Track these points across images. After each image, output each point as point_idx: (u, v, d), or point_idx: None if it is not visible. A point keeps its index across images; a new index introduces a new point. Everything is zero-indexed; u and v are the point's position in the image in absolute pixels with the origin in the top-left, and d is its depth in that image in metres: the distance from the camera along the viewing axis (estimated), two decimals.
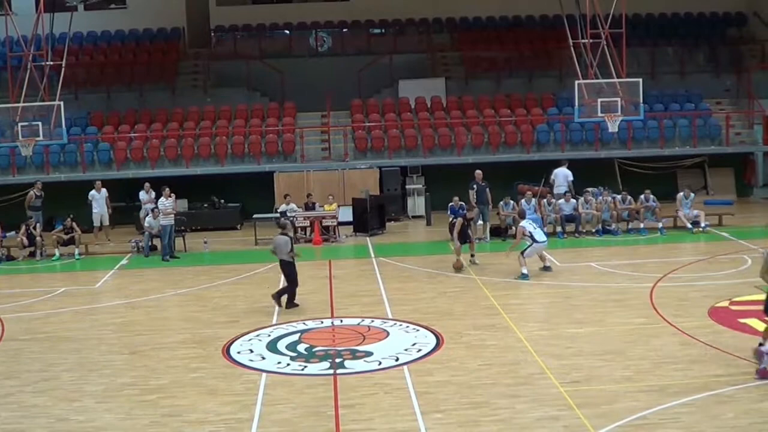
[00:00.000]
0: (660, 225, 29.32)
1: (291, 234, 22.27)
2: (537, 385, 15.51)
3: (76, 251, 28.15)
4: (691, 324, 18.89)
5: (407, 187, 33.64)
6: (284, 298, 21.02)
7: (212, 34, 40.94)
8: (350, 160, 33.92)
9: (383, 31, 41.17)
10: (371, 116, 35.86)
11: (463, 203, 26.99)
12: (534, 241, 23.35)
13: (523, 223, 23.98)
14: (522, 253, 23.39)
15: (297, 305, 21.10)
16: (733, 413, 14.03)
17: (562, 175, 31.18)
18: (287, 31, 41.01)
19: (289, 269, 21.16)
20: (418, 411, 14.37)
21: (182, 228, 29.44)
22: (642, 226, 29.33)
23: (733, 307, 20.25)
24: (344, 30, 41.01)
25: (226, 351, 17.91)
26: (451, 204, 27.44)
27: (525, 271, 23.16)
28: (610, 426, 13.54)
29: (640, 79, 29.44)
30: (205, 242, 28.95)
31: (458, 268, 24.13)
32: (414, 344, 18.02)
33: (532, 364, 16.57)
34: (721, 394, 14.81)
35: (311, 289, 22.90)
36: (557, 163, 32.10)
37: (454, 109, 35.99)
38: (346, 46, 40.37)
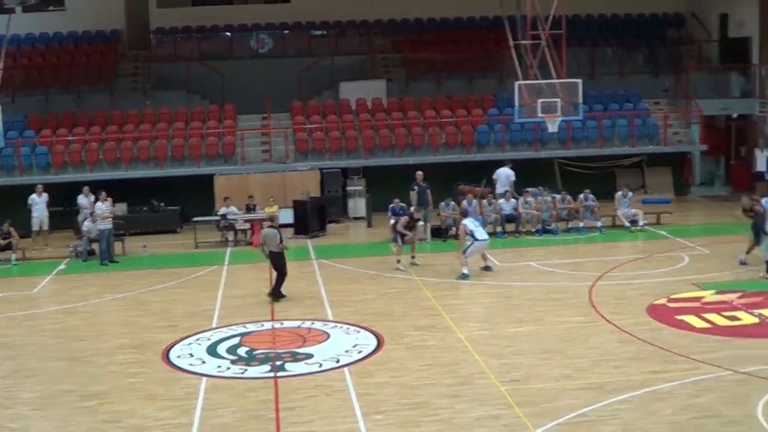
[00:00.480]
0: (599, 224, 29.56)
1: (278, 226, 22.96)
2: (477, 384, 15.58)
3: (13, 256, 27.77)
4: (630, 322, 19.08)
5: (348, 188, 33.59)
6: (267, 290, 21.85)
7: (152, 35, 40.56)
8: (291, 161, 33.81)
9: (324, 32, 41.08)
10: (312, 118, 35.77)
11: (403, 205, 27.02)
12: (475, 239, 23.44)
13: (465, 221, 24.06)
14: (463, 252, 23.47)
15: (284, 296, 21.61)
16: (671, 409, 14.19)
17: (504, 175, 31.36)
18: (228, 33, 40.78)
19: (279, 260, 21.70)
20: (359, 412, 14.37)
21: (121, 232, 29.13)
22: (581, 225, 29.56)
23: (671, 305, 20.47)
24: (285, 31, 40.85)
25: (166, 355, 17.77)
26: (391, 205, 27.43)
27: (466, 271, 23.24)
28: (549, 424, 13.62)
29: (580, 80, 29.62)
30: (145, 246, 28.70)
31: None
32: (355, 346, 18.00)
33: (473, 364, 16.63)
34: (658, 391, 14.97)
35: (249, 292, 22.81)
36: (499, 164, 32.26)
37: (395, 110, 36.01)
38: (286, 48, 40.21)
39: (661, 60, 39.63)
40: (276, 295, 21.68)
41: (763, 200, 23.30)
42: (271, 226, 22.31)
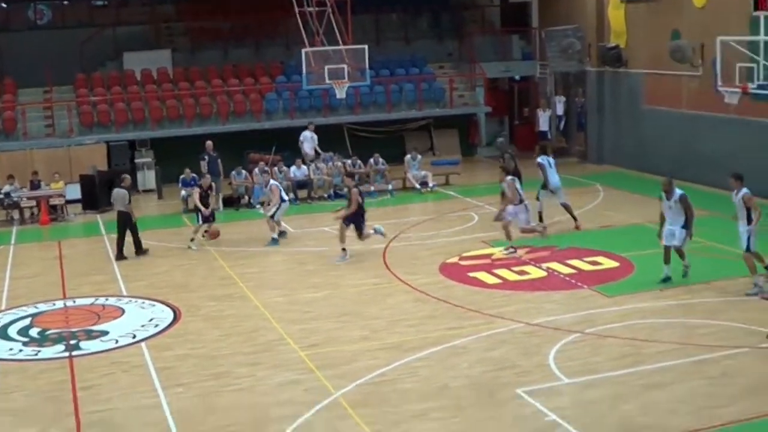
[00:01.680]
0: (390, 187, 29.97)
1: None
2: (277, 351, 15.62)
3: None
4: (424, 281, 19.49)
5: (136, 161, 32.87)
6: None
7: None
8: (75, 135, 32.81)
9: (105, 2, 39.93)
10: (96, 90, 34.76)
11: (194, 175, 26.67)
12: (282, 201, 23.44)
13: (273, 182, 24.14)
14: (271, 217, 23.39)
15: (147, 250, 23.08)
16: (467, 363, 14.61)
17: (309, 137, 31.33)
18: (3, 4, 39.14)
19: (125, 219, 22.76)
20: (159, 387, 14.20)
21: None
22: (372, 189, 29.85)
23: (463, 262, 21.01)
24: (64, 2, 39.52)
25: None
26: (182, 176, 27.03)
27: (275, 235, 23.24)
28: (350, 385, 13.81)
29: (366, 46, 29.86)
30: None
31: (214, 234, 23.62)
32: (151, 320, 17.74)
33: (271, 331, 16.66)
34: (455, 347, 15.38)
35: (39, 271, 22.13)
36: (288, 130, 32.28)
37: (182, 80, 35.40)
38: (66, 19, 38.84)
39: (445, 25, 40.37)
40: (139, 251, 22.94)
41: (539, 158, 24.02)
42: (122, 187, 22.98)
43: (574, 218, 23.74)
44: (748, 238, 17.77)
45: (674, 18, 30.05)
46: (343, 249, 21.50)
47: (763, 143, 26.15)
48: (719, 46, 24.09)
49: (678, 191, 18.40)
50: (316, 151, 31.18)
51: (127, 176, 23.90)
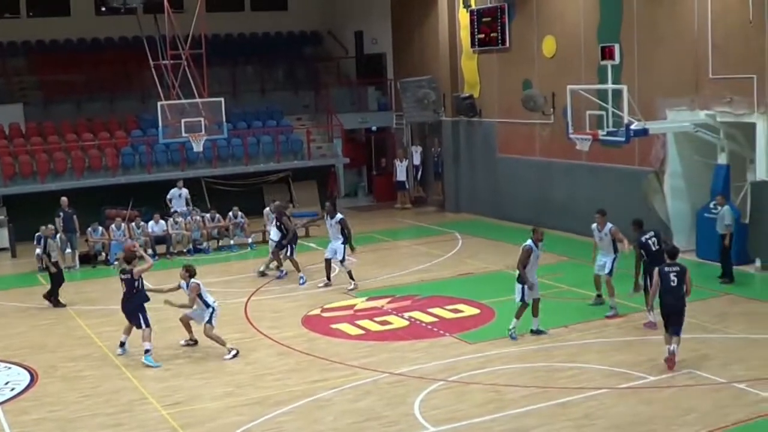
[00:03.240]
0: (250, 240, 29.81)
1: None
2: (139, 411, 15.33)
3: None
4: (287, 334, 19.43)
5: None
6: None
7: None
8: None
9: None
10: None
11: (61, 234, 26.05)
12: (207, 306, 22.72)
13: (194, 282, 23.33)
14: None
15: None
16: (333, 416, 14.59)
17: (178, 195, 30.88)
18: None
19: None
20: None
21: None
22: (232, 242, 29.69)
23: (325, 314, 21.01)
24: None
25: None
26: (38, 234, 26.33)
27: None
28: None
29: (222, 99, 29.85)
30: None
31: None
32: (7, 383, 17.19)
33: (133, 391, 16.34)
34: (319, 399, 15.34)
35: None
36: (152, 185, 31.97)
37: (35, 135, 34.61)
38: None
39: (301, 77, 40.56)
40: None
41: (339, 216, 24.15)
42: None
43: (352, 278, 23.73)
44: (613, 264, 19.49)
45: (525, 68, 30.86)
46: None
47: (614, 188, 26.96)
48: (569, 94, 24.81)
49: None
50: (188, 203, 30.75)
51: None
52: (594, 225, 20.02)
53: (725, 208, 22.35)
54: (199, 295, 18.32)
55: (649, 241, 18.73)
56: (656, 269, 16.54)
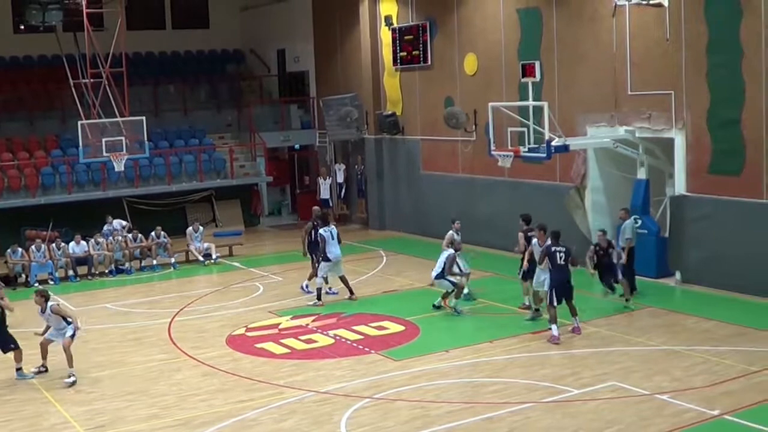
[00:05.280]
0: (173, 260, 29.53)
1: None
2: None
3: None
4: (211, 354, 19.26)
5: None
6: None
7: None
8: None
9: None
10: None
11: None
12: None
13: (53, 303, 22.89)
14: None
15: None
16: None
17: (118, 224, 30.38)
18: None
19: None
20: None
21: None
22: (155, 262, 29.38)
23: (249, 333, 20.88)
24: None
25: None
26: None
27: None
28: None
29: (143, 118, 29.63)
30: None
31: None
32: None
33: (55, 415, 16.07)
34: (246, 419, 15.24)
35: None
36: (72, 205, 31.75)
37: None
38: None
39: (223, 95, 40.39)
40: None
41: (321, 230, 23.46)
42: None
43: (351, 291, 23.82)
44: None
45: (447, 85, 31.08)
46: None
47: (536, 203, 27.21)
48: (491, 111, 25.03)
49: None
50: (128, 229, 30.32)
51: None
52: (534, 240, 20.27)
53: (628, 221, 22.54)
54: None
55: (557, 253, 19.17)
56: (545, 247, 19.45)
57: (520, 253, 21.44)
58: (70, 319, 18.38)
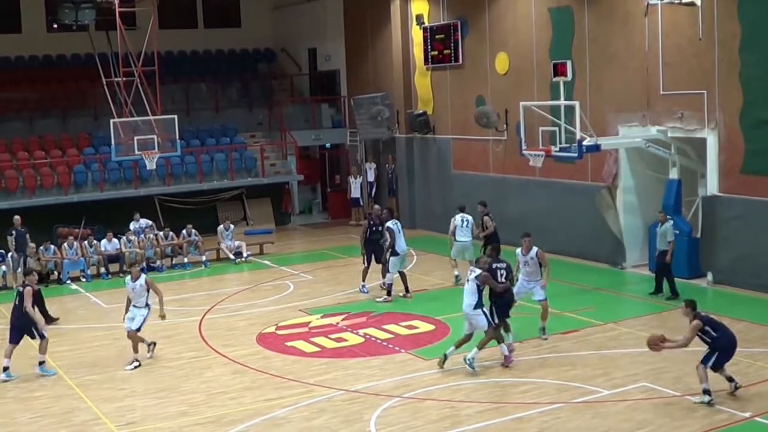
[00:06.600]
0: (204, 258, 29.64)
1: None
2: (93, 431, 15.14)
3: None
4: (241, 352, 19.32)
5: None
6: None
7: None
8: None
9: None
10: None
11: (2, 251, 25.79)
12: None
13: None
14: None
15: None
16: None
17: (144, 224, 30.53)
18: None
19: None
20: None
21: None
22: (186, 260, 29.50)
23: (280, 332, 20.93)
24: None
25: None
26: None
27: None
28: None
29: (175, 116, 29.77)
30: None
31: None
32: None
33: (86, 411, 16.18)
34: (275, 417, 15.28)
35: None
36: (104, 203, 32.01)
37: None
38: None
39: (255, 94, 40.51)
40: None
41: (389, 223, 23.63)
42: None
43: (407, 288, 23.84)
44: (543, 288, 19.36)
45: (478, 84, 31.03)
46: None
47: (567, 203, 27.17)
48: (522, 110, 24.95)
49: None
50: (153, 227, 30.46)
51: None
52: (518, 250, 19.59)
53: (668, 223, 22.43)
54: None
55: (498, 270, 18.22)
56: (486, 261, 18.08)
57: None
58: (150, 302, 19.18)
